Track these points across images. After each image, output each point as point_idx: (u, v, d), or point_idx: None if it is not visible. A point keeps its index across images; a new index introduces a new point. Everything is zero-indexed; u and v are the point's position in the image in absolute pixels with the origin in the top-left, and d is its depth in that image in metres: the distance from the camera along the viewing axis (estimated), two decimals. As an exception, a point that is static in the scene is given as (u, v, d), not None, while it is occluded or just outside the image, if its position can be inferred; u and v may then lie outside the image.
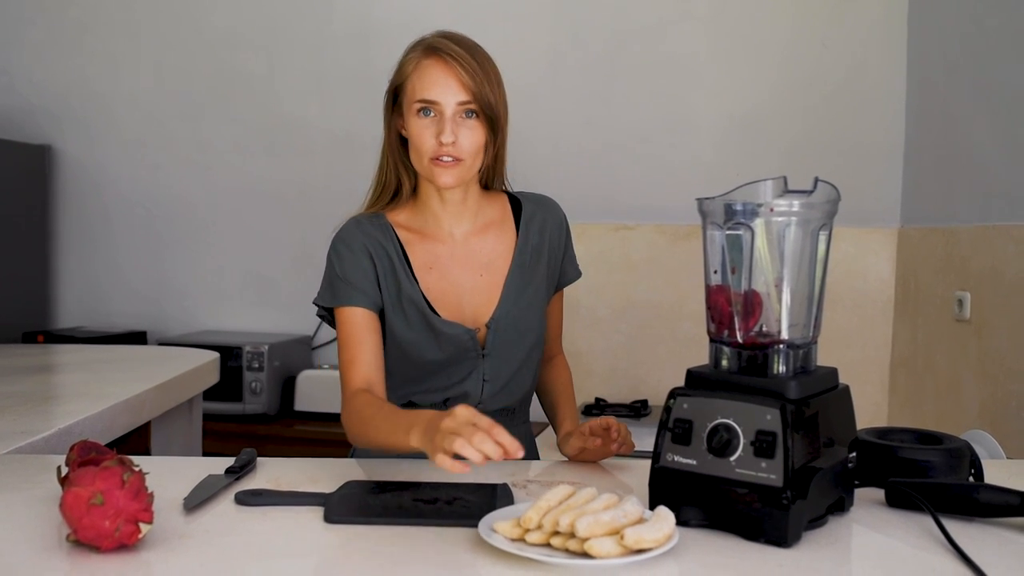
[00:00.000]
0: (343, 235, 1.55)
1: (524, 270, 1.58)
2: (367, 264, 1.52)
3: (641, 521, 1.03)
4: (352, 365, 1.48)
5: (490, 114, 1.48)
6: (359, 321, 1.50)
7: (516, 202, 1.63)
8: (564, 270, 1.66)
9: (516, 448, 1.09)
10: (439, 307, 1.55)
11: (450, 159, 1.46)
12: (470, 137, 1.47)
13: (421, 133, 1.46)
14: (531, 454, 1.68)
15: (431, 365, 1.55)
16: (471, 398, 1.56)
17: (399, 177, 1.56)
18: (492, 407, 1.58)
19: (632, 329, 3.20)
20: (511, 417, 1.62)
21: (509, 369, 1.58)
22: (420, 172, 1.51)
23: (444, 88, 1.45)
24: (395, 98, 1.53)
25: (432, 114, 1.46)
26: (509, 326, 1.56)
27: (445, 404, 1.56)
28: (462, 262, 1.57)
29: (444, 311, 1.55)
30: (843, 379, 1.22)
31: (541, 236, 1.61)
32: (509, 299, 1.56)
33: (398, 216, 1.58)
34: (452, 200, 1.55)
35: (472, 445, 1.08)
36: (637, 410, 2.93)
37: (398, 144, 1.55)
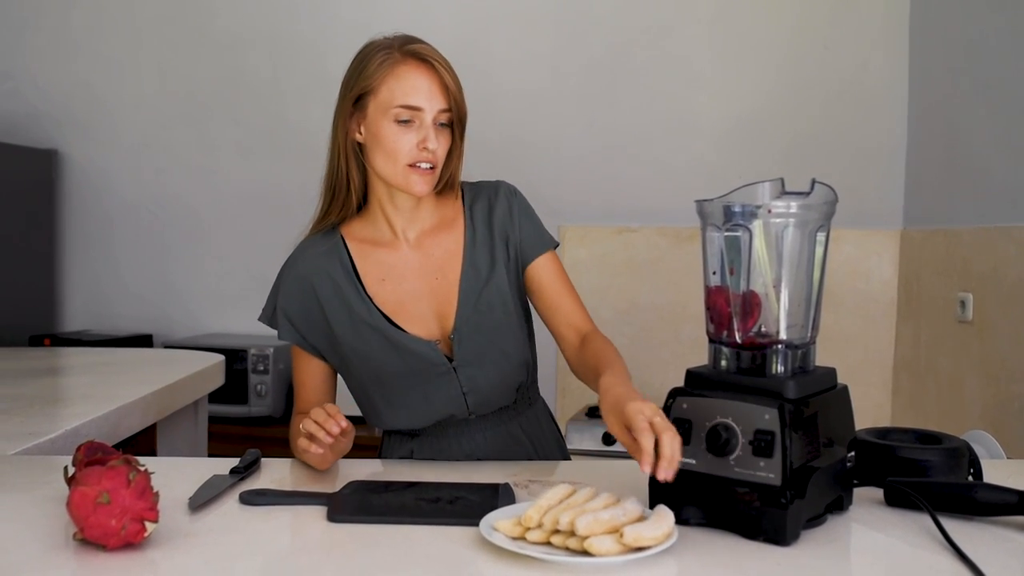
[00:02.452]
0: (288, 264, 1.58)
1: (477, 271, 1.53)
2: (304, 299, 1.55)
3: (641, 519, 1.04)
4: (299, 392, 1.61)
5: (463, 122, 1.48)
6: (298, 354, 1.60)
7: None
8: (525, 246, 1.55)
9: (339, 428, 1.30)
10: (399, 319, 1.51)
11: (428, 166, 1.44)
12: (444, 145, 1.47)
13: (399, 139, 1.43)
14: (558, 443, 1.65)
15: (402, 382, 1.51)
16: (458, 416, 1.52)
17: (351, 182, 1.52)
18: (485, 411, 1.54)
19: (635, 331, 3.20)
20: (509, 411, 1.57)
21: (487, 374, 1.52)
22: (390, 179, 1.46)
23: (429, 94, 1.43)
24: (355, 101, 1.48)
25: (410, 120, 1.43)
26: (472, 331, 1.50)
27: (436, 427, 1.54)
28: (416, 268, 1.53)
29: (406, 322, 1.51)
30: (846, 380, 1.23)
31: (488, 226, 1.55)
32: (467, 303, 1.51)
33: (351, 228, 1.56)
34: (405, 207, 1.52)
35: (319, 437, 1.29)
36: (640, 412, 2.94)
37: (354, 148, 1.50)
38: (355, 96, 1.48)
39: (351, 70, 1.50)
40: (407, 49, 1.45)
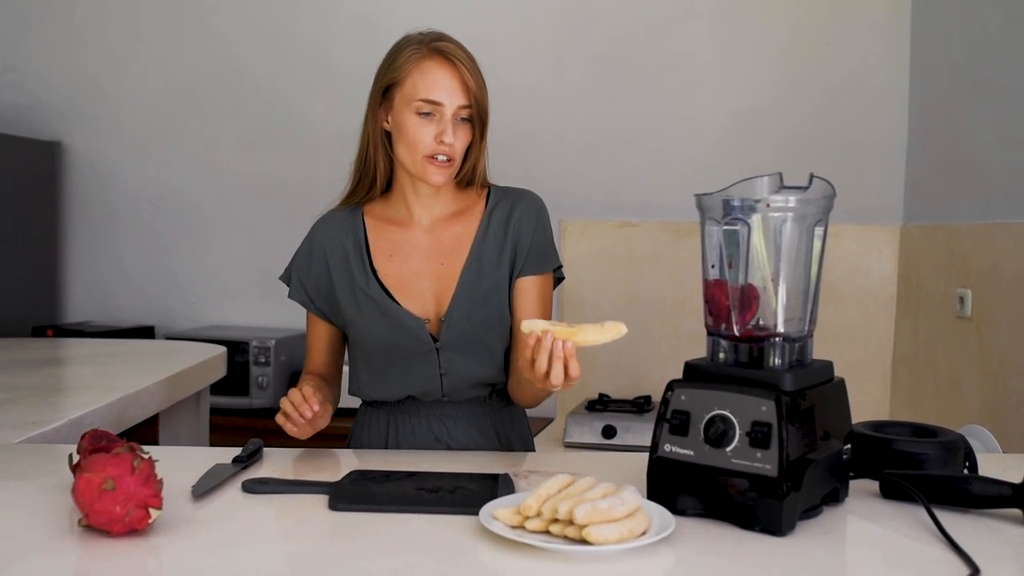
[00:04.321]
0: (310, 231, 1.68)
1: (482, 264, 1.58)
2: (315, 264, 1.64)
3: (637, 511, 1.05)
4: (308, 352, 1.69)
5: (483, 119, 1.54)
6: (309, 316, 1.67)
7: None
8: (529, 257, 1.59)
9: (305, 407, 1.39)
10: (398, 294, 1.58)
11: (445, 159, 1.51)
12: (463, 140, 1.53)
13: (419, 131, 1.50)
14: (527, 445, 1.70)
15: (387, 354, 1.57)
16: (431, 395, 1.58)
17: (377, 168, 1.60)
18: (459, 398, 1.59)
19: (635, 325, 3.17)
20: (484, 405, 1.62)
21: (467, 363, 1.57)
22: (409, 168, 1.54)
23: (449, 90, 1.50)
24: (384, 91, 1.56)
25: (431, 113, 1.50)
26: (462, 319, 1.56)
27: (412, 406, 1.60)
28: (424, 250, 1.60)
29: (404, 298, 1.58)
30: (845, 375, 1.24)
31: (505, 229, 1.60)
32: (464, 292, 1.57)
33: (374, 206, 1.65)
34: (425, 194, 1.60)
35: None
36: (640, 406, 2.95)
37: (382, 136, 1.58)
38: (384, 86, 1.56)
39: (384, 61, 1.58)
40: (434, 46, 1.52)
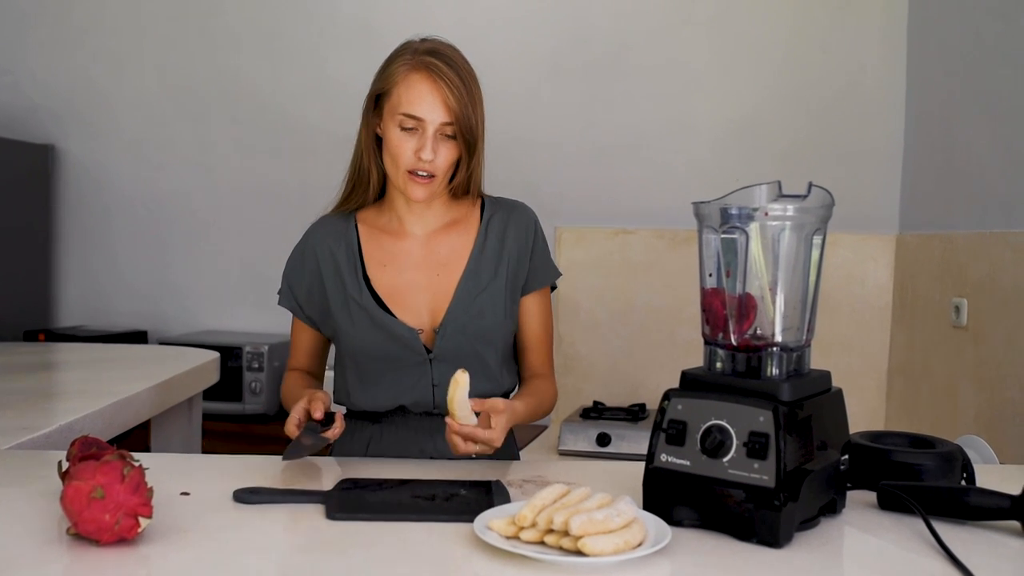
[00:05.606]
0: (302, 238, 1.67)
1: (478, 276, 1.58)
2: (307, 271, 1.63)
3: (633, 522, 1.04)
4: (292, 352, 1.71)
5: (468, 137, 1.51)
6: (295, 320, 1.68)
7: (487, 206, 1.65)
8: (532, 274, 1.62)
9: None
10: (391, 304, 1.58)
11: (425, 175, 1.50)
12: (446, 156, 1.51)
13: (401, 145, 1.49)
14: (511, 454, 1.68)
15: (380, 364, 1.56)
16: (422, 406, 1.57)
17: (371, 174, 1.60)
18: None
19: (631, 333, 3.20)
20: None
21: None
22: (393, 180, 1.54)
23: (431, 107, 1.48)
24: (376, 99, 1.55)
25: (414, 128, 1.49)
26: (457, 331, 1.55)
27: (400, 418, 1.59)
28: (418, 260, 1.60)
29: (398, 308, 1.57)
30: (840, 384, 1.23)
31: (501, 241, 1.60)
32: (460, 303, 1.56)
33: (367, 213, 1.64)
34: (417, 205, 1.59)
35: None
36: (635, 413, 2.94)
37: (374, 143, 1.58)
38: (375, 94, 1.55)
39: (380, 67, 1.56)
40: (423, 59, 1.50)
